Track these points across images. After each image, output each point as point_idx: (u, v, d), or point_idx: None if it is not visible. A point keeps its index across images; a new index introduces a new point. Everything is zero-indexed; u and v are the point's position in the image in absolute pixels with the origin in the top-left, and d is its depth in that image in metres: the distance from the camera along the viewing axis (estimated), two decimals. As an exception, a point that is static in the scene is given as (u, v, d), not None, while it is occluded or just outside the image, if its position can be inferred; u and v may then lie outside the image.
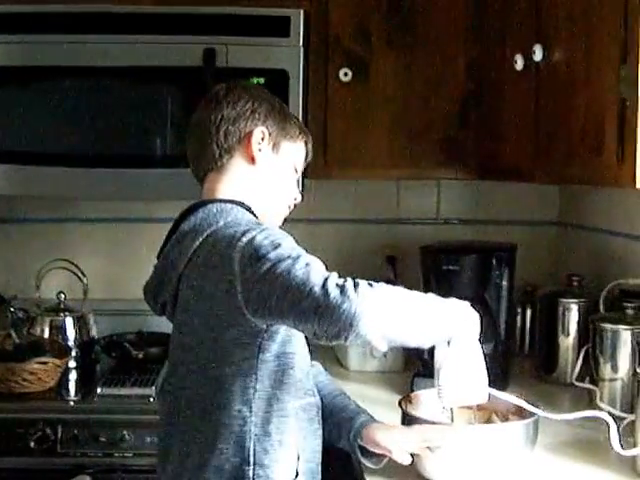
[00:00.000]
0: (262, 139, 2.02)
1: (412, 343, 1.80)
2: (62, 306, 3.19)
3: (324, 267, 1.74)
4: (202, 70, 2.78)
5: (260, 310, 1.75)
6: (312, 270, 1.68)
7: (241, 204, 1.97)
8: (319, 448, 2.01)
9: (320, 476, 2.02)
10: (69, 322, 3.16)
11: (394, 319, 1.70)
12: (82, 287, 3.27)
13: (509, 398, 2.07)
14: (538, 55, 2.41)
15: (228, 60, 2.81)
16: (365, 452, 2.03)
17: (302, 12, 2.87)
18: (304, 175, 2.42)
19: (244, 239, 1.78)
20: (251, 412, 1.84)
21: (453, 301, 1.88)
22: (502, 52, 2.72)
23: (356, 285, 1.66)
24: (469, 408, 2.12)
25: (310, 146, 2.14)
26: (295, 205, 2.14)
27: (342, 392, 2.18)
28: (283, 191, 2.09)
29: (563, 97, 2.34)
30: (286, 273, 1.68)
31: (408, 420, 2.09)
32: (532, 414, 2.05)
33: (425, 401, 2.17)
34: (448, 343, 1.89)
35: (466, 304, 1.90)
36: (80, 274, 3.27)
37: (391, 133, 3.04)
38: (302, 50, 2.87)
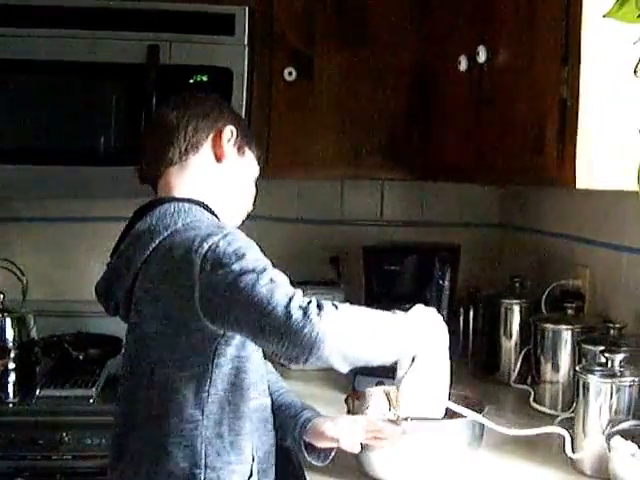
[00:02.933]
0: (229, 139, 2.02)
1: (375, 362, 1.82)
2: (1, 306, 3.14)
3: (288, 282, 1.73)
4: (146, 67, 2.77)
5: (219, 320, 1.74)
6: (276, 288, 1.67)
7: (199, 203, 1.94)
8: (272, 449, 2.02)
9: (274, 476, 2.02)
10: (8, 323, 3.11)
11: (357, 342, 1.71)
12: (21, 287, 3.24)
13: (466, 413, 2.07)
14: (482, 56, 2.44)
15: (172, 57, 2.79)
16: (311, 449, 2.04)
17: (247, 10, 2.86)
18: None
19: (205, 245, 1.75)
20: (204, 416, 1.84)
21: (421, 315, 1.90)
22: (446, 53, 2.75)
23: (320, 307, 1.65)
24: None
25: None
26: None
27: (287, 390, 2.18)
28: (244, 194, 2.10)
29: (506, 98, 2.37)
30: (249, 288, 1.67)
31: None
32: (478, 412, 2.08)
33: (371, 398, 2.18)
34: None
35: (434, 315, 1.93)
36: (19, 274, 3.24)
37: (335, 133, 3.05)
38: (247, 48, 2.86)
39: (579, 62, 1.95)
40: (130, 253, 1.89)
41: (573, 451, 2.08)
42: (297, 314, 1.63)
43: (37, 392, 2.81)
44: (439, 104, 2.90)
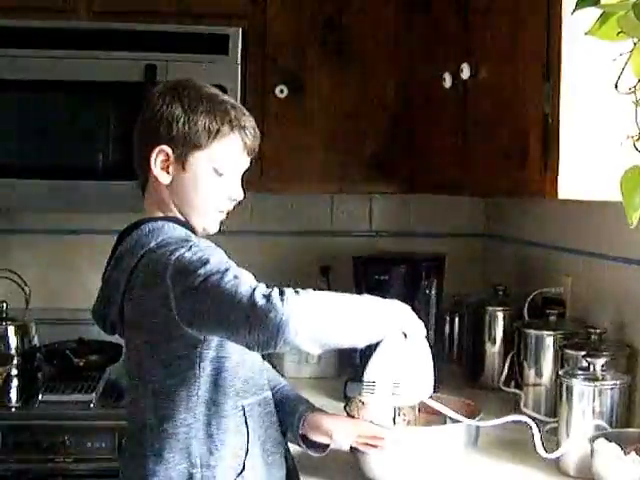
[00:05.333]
0: (167, 158, 1.90)
1: (344, 344, 1.83)
2: (4, 315, 3.12)
3: (252, 278, 1.73)
4: (143, 85, 2.75)
5: (195, 323, 1.75)
6: (240, 282, 1.68)
7: (174, 219, 1.93)
8: (281, 438, 2.01)
9: (285, 465, 2.02)
10: (11, 330, 3.09)
11: (321, 323, 1.70)
12: (24, 296, 3.21)
13: (437, 406, 2.05)
14: (465, 73, 2.43)
15: (169, 75, 2.78)
16: (308, 441, 2.02)
17: (240, 31, 2.87)
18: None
19: (173, 257, 1.76)
20: (195, 418, 1.85)
21: (388, 301, 1.88)
22: (431, 70, 2.74)
23: (282, 293, 1.66)
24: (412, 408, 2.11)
25: (246, 125, 1.94)
26: (238, 202, 2.00)
27: (284, 385, 2.16)
28: (206, 199, 1.94)
29: (489, 113, 2.35)
30: (215, 287, 1.68)
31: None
32: (475, 417, 2.05)
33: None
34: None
35: (398, 303, 1.90)
36: (22, 283, 3.21)
37: (325, 148, 3.04)
38: (240, 67, 2.86)
39: (560, 78, 1.93)
40: (115, 275, 1.90)
41: (544, 447, 2.05)
42: (261, 302, 1.64)
43: (39, 397, 2.80)
44: (424, 119, 2.89)
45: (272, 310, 1.62)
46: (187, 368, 1.83)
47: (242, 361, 1.89)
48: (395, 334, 1.87)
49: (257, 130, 1.98)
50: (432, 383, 1.98)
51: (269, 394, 2.00)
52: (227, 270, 1.71)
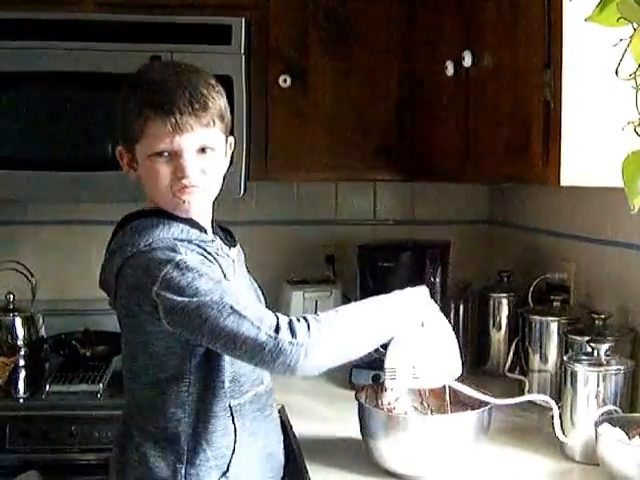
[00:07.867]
0: (128, 158, 1.91)
1: (358, 356, 1.86)
2: (11, 306, 3.13)
3: (250, 306, 1.74)
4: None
5: (191, 337, 1.77)
6: (241, 320, 1.69)
7: (165, 214, 1.89)
8: (277, 430, 2.03)
9: (283, 457, 2.03)
10: (18, 322, 3.11)
11: (334, 353, 1.76)
12: (30, 287, 3.22)
13: (464, 389, 2.07)
14: (467, 61, 2.43)
15: (173, 66, 2.79)
16: None
17: (243, 21, 2.86)
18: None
19: (160, 274, 1.75)
20: (185, 414, 1.85)
21: (403, 294, 1.92)
22: (433, 59, 2.73)
23: (292, 332, 1.68)
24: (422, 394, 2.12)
25: (162, 102, 1.82)
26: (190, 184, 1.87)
27: None
28: (159, 185, 1.86)
29: (491, 101, 2.35)
30: (213, 322, 1.70)
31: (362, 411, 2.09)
32: (485, 404, 2.06)
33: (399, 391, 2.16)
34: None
35: (420, 293, 1.96)
36: (29, 275, 3.22)
37: (328, 137, 3.04)
38: (243, 57, 2.85)
39: (561, 65, 1.94)
40: (108, 270, 1.90)
41: (563, 432, 2.06)
42: (270, 344, 1.66)
43: (47, 388, 2.81)
44: (427, 108, 2.89)
45: (281, 355, 1.66)
46: (178, 364, 1.84)
47: (233, 360, 1.86)
48: (408, 325, 1.93)
49: (188, 103, 1.83)
50: (457, 365, 2.02)
51: (262, 388, 1.98)
52: (221, 301, 1.70)
